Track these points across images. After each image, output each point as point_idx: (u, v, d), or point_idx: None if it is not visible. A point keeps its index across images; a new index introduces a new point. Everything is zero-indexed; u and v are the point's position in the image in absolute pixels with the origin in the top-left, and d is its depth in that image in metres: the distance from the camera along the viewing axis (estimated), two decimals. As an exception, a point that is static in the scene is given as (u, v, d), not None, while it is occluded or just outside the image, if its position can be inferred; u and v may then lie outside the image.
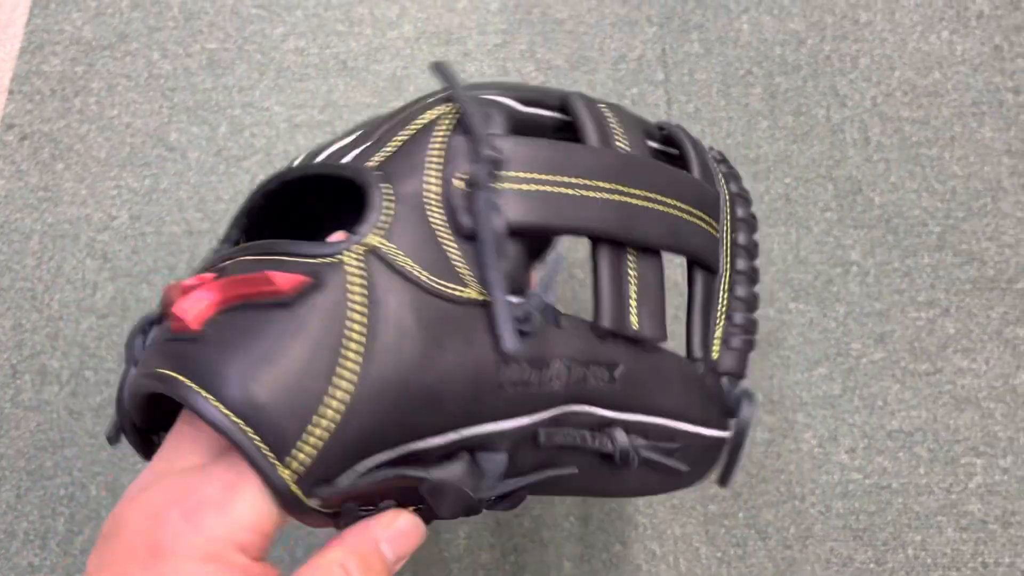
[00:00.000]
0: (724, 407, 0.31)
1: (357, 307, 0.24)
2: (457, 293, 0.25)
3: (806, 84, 0.54)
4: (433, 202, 0.27)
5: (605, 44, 0.56)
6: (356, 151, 0.29)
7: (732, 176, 0.34)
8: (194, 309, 0.24)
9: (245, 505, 0.23)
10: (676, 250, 0.30)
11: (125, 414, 0.27)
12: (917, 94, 0.54)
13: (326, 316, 0.23)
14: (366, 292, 0.24)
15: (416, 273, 0.25)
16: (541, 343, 0.26)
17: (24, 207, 0.53)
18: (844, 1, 0.56)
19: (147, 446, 0.28)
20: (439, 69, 0.29)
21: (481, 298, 0.26)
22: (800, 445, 0.46)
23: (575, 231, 0.28)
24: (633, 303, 0.28)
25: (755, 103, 0.54)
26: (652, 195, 0.29)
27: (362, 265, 0.24)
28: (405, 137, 0.28)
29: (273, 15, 0.57)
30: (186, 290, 0.24)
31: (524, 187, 0.27)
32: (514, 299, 0.26)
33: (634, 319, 0.28)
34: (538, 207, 0.27)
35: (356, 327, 0.24)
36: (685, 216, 0.30)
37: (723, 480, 0.32)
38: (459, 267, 0.26)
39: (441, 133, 0.28)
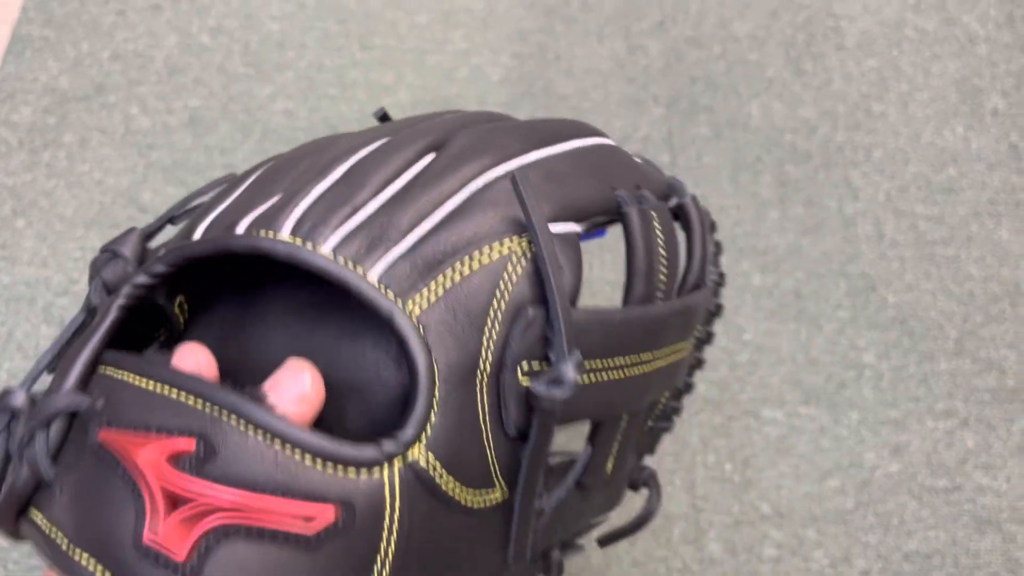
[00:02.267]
0: (627, 484, 0.31)
1: (386, 542, 0.20)
2: (483, 503, 0.22)
3: (818, 174, 0.52)
4: (483, 385, 0.22)
5: (610, 123, 0.54)
6: (348, 226, 0.22)
7: (718, 250, 0.31)
8: (187, 536, 0.19)
9: None
10: (669, 390, 0.29)
11: (3, 519, 0.22)
12: (932, 190, 0.52)
13: (353, 557, 0.20)
14: (396, 522, 0.20)
15: (451, 492, 0.21)
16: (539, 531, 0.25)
17: (-22, 265, 0.49)
18: (857, 91, 0.55)
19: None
20: (516, 186, 0.23)
21: (502, 498, 0.23)
22: (810, 564, 0.42)
23: (606, 417, 0.26)
24: (616, 450, 0.27)
25: (765, 191, 0.52)
26: (666, 349, 0.27)
27: (398, 487, 0.20)
28: (458, 274, 0.22)
29: (262, 74, 0.55)
30: (174, 498, 0.19)
31: (582, 378, 0.23)
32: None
33: (610, 466, 0.27)
34: (591, 401, 0.24)
35: (383, 561, 0.20)
36: (680, 356, 0.28)
37: (605, 544, 0.32)
38: (491, 463, 0.22)
39: (505, 285, 0.22)
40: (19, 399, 0.22)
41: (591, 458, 0.26)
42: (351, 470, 0.20)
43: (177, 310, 0.26)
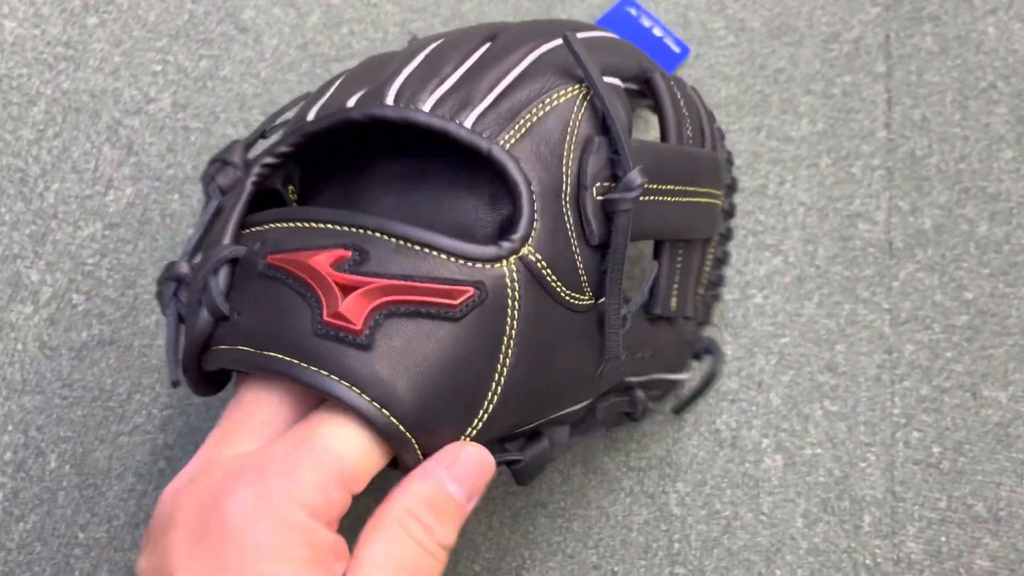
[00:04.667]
0: (692, 352, 0.34)
1: (511, 320, 0.24)
2: (579, 302, 0.26)
3: (1064, 115, 0.42)
4: (567, 203, 0.26)
5: (815, 15, 0.44)
6: (439, 92, 0.26)
7: (721, 135, 0.35)
8: (361, 311, 0.23)
9: (309, 469, 0.22)
10: (707, 236, 0.32)
11: (189, 367, 0.26)
12: None
13: (487, 330, 0.24)
14: (518, 305, 0.24)
15: (554, 285, 0.25)
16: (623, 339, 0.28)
17: (34, 62, 0.39)
18: (1118, 24, 0.44)
19: (210, 385, 0.27)
20: (569, 43, 0.27)
21: (593, 302, 0.27)
22: (1029, 587, 0.33)
23: (667, 236, 0.30)
24: (675, 289, 0.31)
25: (998, 126, 0.42)
26: (705, 189, 0.31)
27: (516, 277, 0.24)
28: (535, 117, 0.26)
29: None
30: (345, 287, 0.23)
31: (647, 198, 0.28)
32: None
33: (673, 302, 0.31)
34: (654, 218, 0.28)
35: (508, 340, 0.24)
36: (716, 201, 0.32)
37: (679, 411, 0.35)
38: (580, 272, 0.26)
39: (574, 121, 0.27)
40: (183, 268, 0.26)
41: (656, 280, 0.30)
42: (479, 264, 0.24)
43: (290, 195, 0.29)
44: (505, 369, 0.24)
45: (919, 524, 0.34)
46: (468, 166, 0.26)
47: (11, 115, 0.38)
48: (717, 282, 0.35)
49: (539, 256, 0.25)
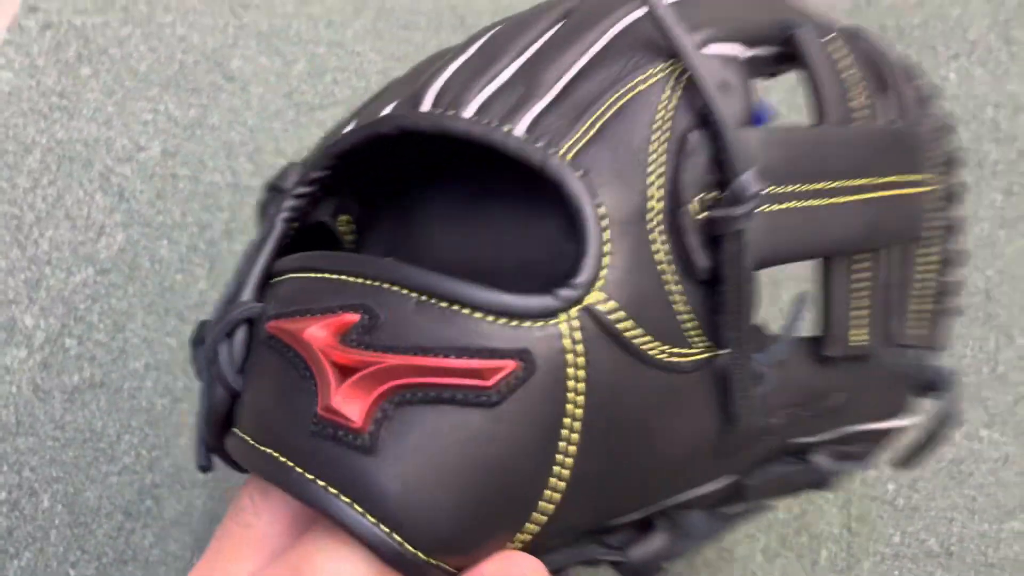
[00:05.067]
0: (912, 387, 0.26)
1: (573, 395, 0.19)
2: (683, 360, 0.20)
3: (1021, 160, 0.44)
4: (657, 227, 0.20)
5: (782, 62, 0.46)
6: (488, 90, 0.21)
7: (929, 95, 0.26)
8: (361, 402, 0.18)
9: None
10: (908, 237, 0.24)
11: (213, 447, 0.22)
12: None
13: (537, 414, 0.19)
14: (584, 375, 0.19)
15: (639, 342, 0.19)
16: (766, 399, 0.22)
17: (30, 112, 0.41)
18: (1074, 70, 0.46)
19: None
20: (653, 7, 0.21)
21: (707, 356, 0.20)
22: (979, 619, 0.35)
23: (824, 253, 0.22)
24: (864, 315, 0.23)
25: (957, 170, 0.43)
26: (887, 178, 0.23)
27: (580, 336, 0.19)
28: (609, 111, 0.20)
29: (385, -56, 0.46)
30: (344, 368, 0.19)
31: (776, 207, 0.21)
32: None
33: (863, 334, 0.23)
34: (791, 233, 0.21)
35: (570, 422, 0.19)
36: (913, 190, 0.24)
37: (903, 464, 0.27)
38: (684, 318, 0.20)
39: (663, 112, 0.20)
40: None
41: (828, 310, 0.23)
42: (526, 321, 0.19)
43: (345, 228, 0.25)
44: (569, 459, 0.19)
45: (874, 559, 0.36)
46: (540, 183, 0.20)
47: (7, 164, 0.40)
48: (946, 290, 0.26)
49: (614, 304, 0.19)
